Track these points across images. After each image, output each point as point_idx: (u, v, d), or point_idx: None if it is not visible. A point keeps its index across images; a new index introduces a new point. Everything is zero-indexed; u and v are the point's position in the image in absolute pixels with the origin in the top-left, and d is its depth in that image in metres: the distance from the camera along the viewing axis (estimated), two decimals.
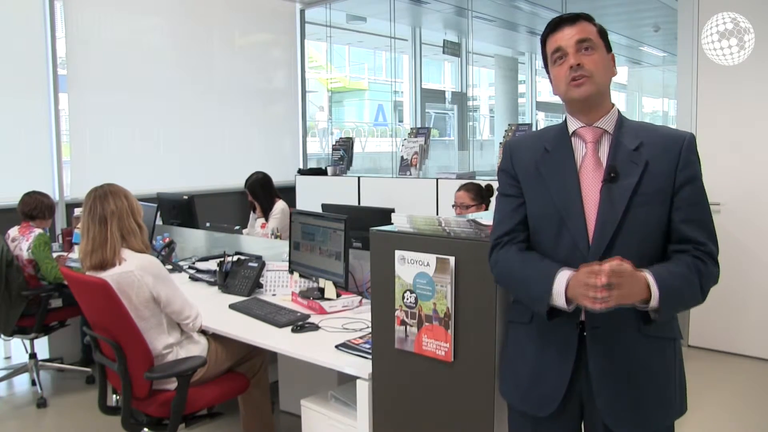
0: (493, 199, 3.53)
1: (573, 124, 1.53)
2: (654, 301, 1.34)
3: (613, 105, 1.53)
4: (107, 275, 2.32)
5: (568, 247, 1.46)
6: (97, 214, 2.37)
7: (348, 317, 2.57)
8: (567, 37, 1.48)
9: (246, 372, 2.70)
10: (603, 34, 1.51)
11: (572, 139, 1.53)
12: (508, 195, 1.59)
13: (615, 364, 1.45)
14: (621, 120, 1.51)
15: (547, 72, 1.56)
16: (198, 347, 2.53)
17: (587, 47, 1.47)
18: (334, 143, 6.28)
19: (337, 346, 2.18)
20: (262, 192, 4.62)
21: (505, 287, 1.60)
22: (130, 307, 2.31)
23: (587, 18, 1.51)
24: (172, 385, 2.39)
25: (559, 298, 1.39)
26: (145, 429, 2.47)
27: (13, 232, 3.79)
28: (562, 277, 1.39)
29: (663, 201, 1.44)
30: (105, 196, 2.41)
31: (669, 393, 1.50)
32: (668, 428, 1.55)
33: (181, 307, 2.43)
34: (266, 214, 4.61)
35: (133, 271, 2.33)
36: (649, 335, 1.45)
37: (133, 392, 2.36)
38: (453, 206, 3.62)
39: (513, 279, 1.53)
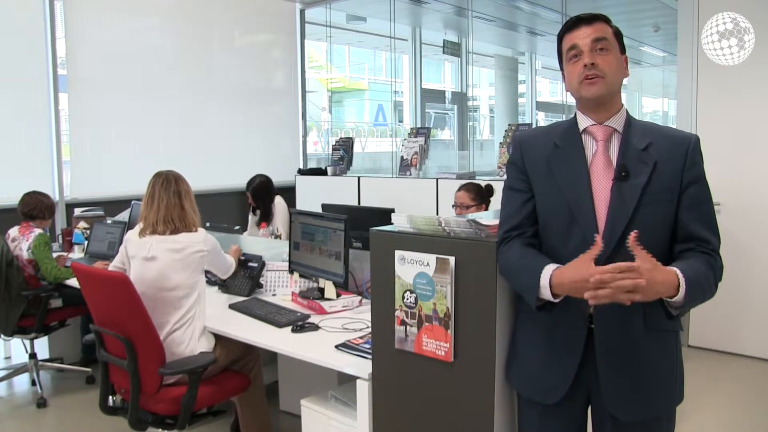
0: (493, 200, 3.54)
1: (583, 122, 1.55)
2: (680, 296, 1.36)
3: (622, 105, 1.56)
4: (175, 242, 2.54)
5: (577, 243, 1.48)
6: (172, 188, 2.63)
7: (348, 317, 2.57)
8: (583, 35, 1.51)
9: (241, 370, 2.72)
10: (618, 35, 1.55)
11: (582, 136, 1.55)
12: (517, 189, 1.60)
13: (621, 356, 1.49)
14: (629, 119, 1.55)
15: (561, 69, 1.59)
16: (208, 343, 2.57)
17: (602, 47, 1.50)
18: (334, 143, 6.28)
19: (337, 346, 2.18)
20: (266, 196, 4.63)
21: (506, 279, 1.62)
22: (185, 272, 2.51)
23: (604, 19, 1.54)
24: (173, 377, 2.43)
25: (545, 291, 1.44)
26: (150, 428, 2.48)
27: (13, 232, 3.79)
28: (547, 271, 1.44)
29: (670, 200, 1.48)
30: (178, 177, 2.68)
31: (671, 382, 1.56)
32: (670, 414, 1.60)
33: (224, 264, 2.84)
34: (266, 216, 4.61)
35: (199, 242, 2.59)
36: (654, 328, 1.49)
37: (142, 388, 2.37)
38: (453, 206, 3.62)
39: (510, 270, 1.56)
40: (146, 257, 2.54)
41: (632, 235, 1.33)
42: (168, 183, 2.63)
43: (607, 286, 1.31)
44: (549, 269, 1.44)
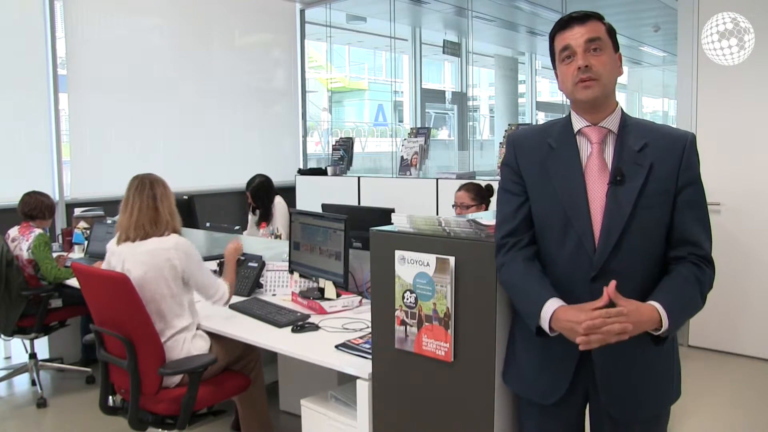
0: (493, 199, 3.54)
1: (578, 123, 1.54)
2: (665, 327, 1.40)
3: (617, 104, 1.54)
4: (144, 249, 2.45)
5: (573, 247, 1.48)
6: (145, 192, 2.54)
7: (348, 317, 2.57)
8: (576, 36, 1.48)
9: (242, 370, 2.72)
10: (612, 33, 1.52)
11: (577, 137, 1.53)
12: (511, 192, 1.59)
13: (618, 356, 1.48)
14: (625, 119, 1.52)
15: (554, 68, 1.57)
16: (204, 343, 2.56)
17: (596, 47, 1.47)
18: (334, 143, 6.29)
19: (337, 346, 2.18)
20: (266, 196, 4.63)
21: (506, 292, 1.62)
22: (161, 282, 2.41)
23: (597, 17, 1.51)
24: (174, 380, 2.43)
25: (544, 323, 1.45)
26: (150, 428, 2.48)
27: (13, 232, 3.79)
28: (550, 307, 1.44)
29: (666, 202, 1.47)
30: (154, 180, 2.60)
31: (668, 380, 1.56)
32: (666, 412, 1.61)
33: (207, 284, 2.58)
34: (265, 216, 4.62)
35: (170, 249, 2.47)
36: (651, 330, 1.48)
37: (142, 389, 2.37)
38: (453, 206, 3.62)
39: (513, 290, 1.56)
40: (122, 270, 2.47)
41: (612, 284, 1.36)
42: (143, 186, 2.55)
43: (598, 331, 1.34)
44: (552, 305, 1.44)
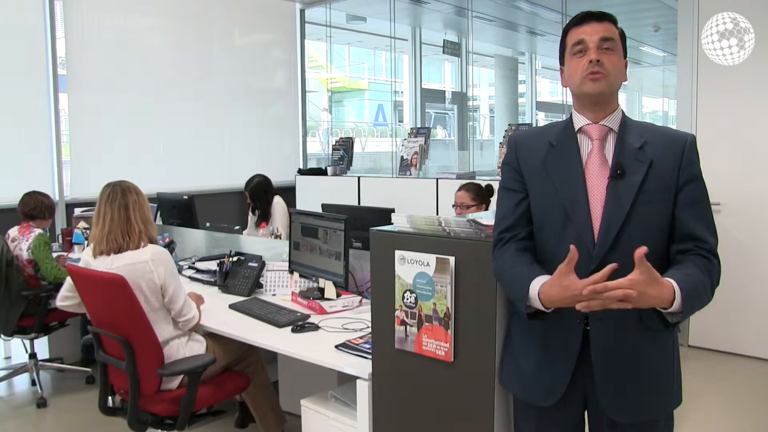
0: (493, 199, 3.54)
1: (579, 121, 1.55)
2: (677, 305, 1.35)
3: (618, 105, 1.56)
4: (121, 263, 2.37)
5: (572, 242, 1.47)
6: (117, 201, 2.47)
7: (348, 317, 2.57)
8: (591, 32, 1.50)
9: (243, 371, 2.71)
10: (623, 38, 1.55)
11: (578, 135, 1.54)
12: (511, 189, 1.60)
13: (617, 356, 1.48)
14: (625, 119, 1.54)
15: (561, 63, 1.58)
16: (199, 346, 2.55)
17: (608, 47, 1.49)
18: (334, 143, 6.29)
19: (337, 346, 2.18)
20: (264, 196, 4.64)
21: (499, 283, 1.62)
22: (140, 297, 2.35)
23: (612, 19, 1.54)
24: (174, 383, 2.42)
25: (535, 303, 1.44)
26: (149, 429, 2.48)
27: (13, 232, 3.79)
28: (535, 285, 1.44)
29: (667, 198, 1.47)
30: (126, 188, 2.53)
31: (668, 383, 1.55)
32: (668, 417, 1.59)
33: (182, 304, 2.47)
34: (264, 216, 4.62)
35: (147, 261, 2.39)
36: (650, 328, 1.47)
37: (141, 390, 2.36)
38: (453, 206, 3.62)
39: (502, 278, 1.57)
40: None
41: (641, 250, 1.29)
42: (114, 195, 2.48)
43: (599, 297, 1.31)
44: (537, 284, 1.44)
